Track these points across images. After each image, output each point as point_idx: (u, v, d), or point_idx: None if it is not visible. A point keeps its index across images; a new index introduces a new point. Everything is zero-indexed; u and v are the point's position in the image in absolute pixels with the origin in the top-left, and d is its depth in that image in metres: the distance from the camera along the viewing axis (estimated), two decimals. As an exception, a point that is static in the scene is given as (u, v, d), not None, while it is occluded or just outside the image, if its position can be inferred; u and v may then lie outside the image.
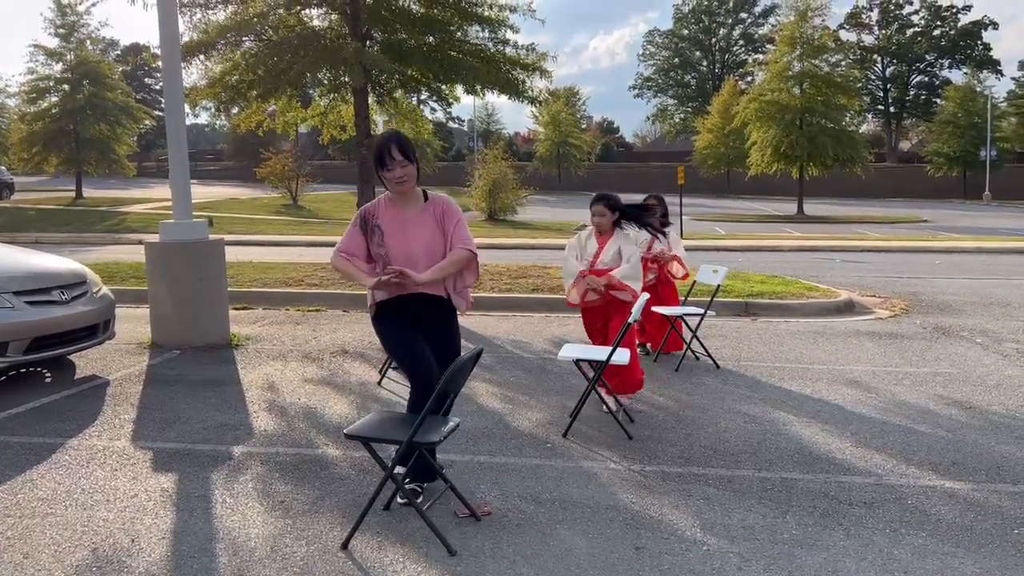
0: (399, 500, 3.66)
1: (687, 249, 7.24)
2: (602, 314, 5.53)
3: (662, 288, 6.96)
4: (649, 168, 57.96)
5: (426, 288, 3.72)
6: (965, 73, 56.36)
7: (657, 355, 6.89)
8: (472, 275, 3.93)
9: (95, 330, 6.38)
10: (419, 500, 3.66)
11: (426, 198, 3.85)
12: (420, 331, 3.82)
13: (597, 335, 5.63)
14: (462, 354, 3.66)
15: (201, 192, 34.30)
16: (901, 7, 69.53)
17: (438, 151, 46.80)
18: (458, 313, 3.97)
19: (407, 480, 3.72)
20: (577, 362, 5.04)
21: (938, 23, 69.22)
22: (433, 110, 51.28)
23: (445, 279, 3.80)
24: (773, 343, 7.61)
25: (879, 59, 69.82)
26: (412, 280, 3.61)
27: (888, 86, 70.06)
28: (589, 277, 5.42)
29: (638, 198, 7.28)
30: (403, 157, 3.68)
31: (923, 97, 69.32)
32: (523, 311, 9.34)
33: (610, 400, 5.18)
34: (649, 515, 3.68)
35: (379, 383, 6.06)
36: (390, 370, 6.25)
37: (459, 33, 12.04)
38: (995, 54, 69.24)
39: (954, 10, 68.47)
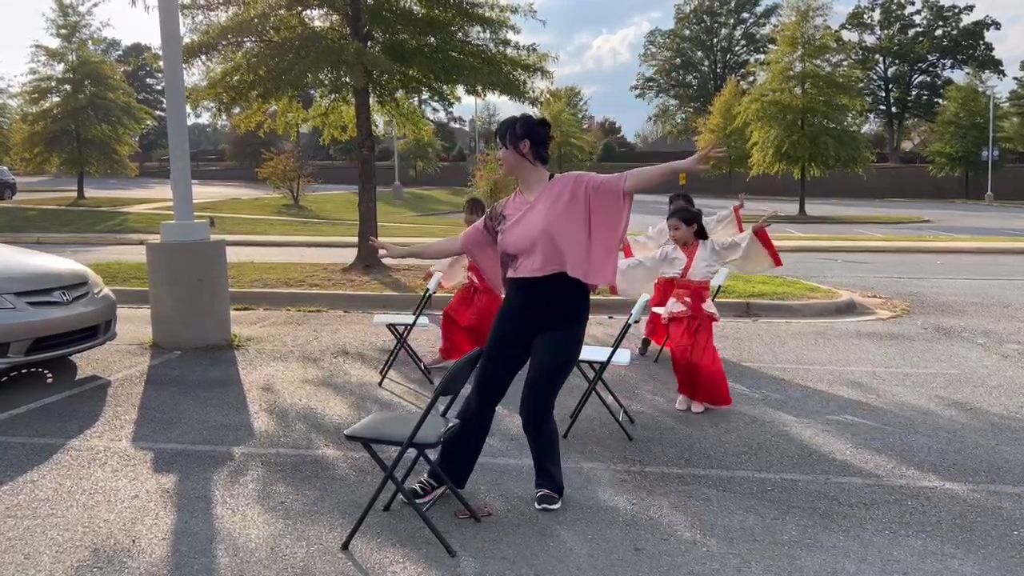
0: (408, 489, 3.65)
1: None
2: (688, 325, 5.44)
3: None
4: (651, 168, 57.83)
5: (539, 270, 3.54)
6: (967, 73, 56.32)
7: (658, 355, 6.88)
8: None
9: (96, 331, 6.39)
10: (419, 501, 3.66)
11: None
12: (532, 328, 3.67)
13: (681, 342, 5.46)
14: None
15: (202, 192, 34.33)
16: (903, 7, 69.48)
17: (439, 151, 46.83)
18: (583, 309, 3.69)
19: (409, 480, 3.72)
20: (578, 363, 5.03)
21: (940, 23, 69.18)
22: (435, 110, 51.38)
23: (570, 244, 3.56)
24: (774, 344, 7.61)
25: (881, 59, 69.78)
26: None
27: (890, 86, 70.02)
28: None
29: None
30: (499, 141, 3.65)
31: (925, 97, 69.28)
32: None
33: (609, 397, 5.19)
34: (649, 516, 3.68)
35: (379, 384, 6.06)
36: (390, 371, 6.26)
37: (460, 34, 12.07)
38: (997, 54, 69.24)
39: (956, 10, 68.44)
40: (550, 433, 3.78)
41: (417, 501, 3.61)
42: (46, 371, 6.48)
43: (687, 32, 76.43)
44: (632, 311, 4.94)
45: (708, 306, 5.47)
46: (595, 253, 3.60)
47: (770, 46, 41.51)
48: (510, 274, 3.68)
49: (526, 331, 3.69)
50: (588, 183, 3.60)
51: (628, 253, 6.47)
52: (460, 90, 12.63)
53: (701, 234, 5.57)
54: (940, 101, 59.77)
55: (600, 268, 3.61)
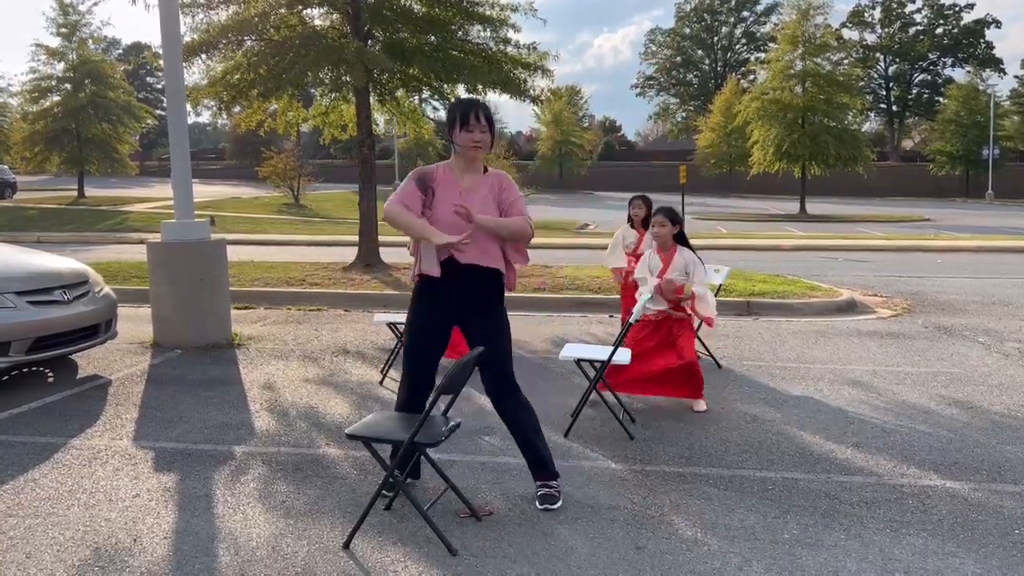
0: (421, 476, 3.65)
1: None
2: (656, 331, 5.41)
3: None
4: (651, 167, 57.95)
5: (480, 259, 3.65)
6: (968, 72, 56.30)
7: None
8: (522, 256, 3.80)
9: (97, 330, 6.39)
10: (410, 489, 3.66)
11: (486, 172, 3.79)
12: (459, 321, 3.76)
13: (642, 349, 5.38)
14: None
15: (203, 191, 34.35)
16: (903, 5, 69.44)
17: (440, 150, 46.73)
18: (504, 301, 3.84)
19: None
20: (578, 362, 5.04)
21: (940, 21, 69.15)
22: (435, 109, 51.24)
23: (500, 240, 3.70)
24: (775, 342, 7.61)
25: (881, 57, 69.76)
26: (474, 220, 3.49)
27: (890, 84, 70.00)
28: (666, 279, 5.33)
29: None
30: (486, 122, 3.65)
31: (925, 96, 69.26)
32: (524, 311, 9.34)
33: (607, 394, 5.20)
34: (650, 515, 3.68)
35: (380, 383, 6.07)
36: (391, 370, 6.26)
37: (460, 32, 12.05)
38: (998, 52, 69.31)
39: (957, 8, 68.40)
40: (526, 404, 3.82)
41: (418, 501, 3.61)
42: (47, 370, 6.48)
43: (687, 31, 76.38)
44: (633, 311, 4.94)
45: (695, 303, 5.40)
46: (511, 255, 3.81)
47: (770, 44, 41.48)
48: (443, 257, 3.66)
49: (456, 313, 3.76)
50: (507, 198, 3.72)
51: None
52: (460, 89, 12.61)
53: (681, 239, 5.48)
54: (941, 99, 59.74)
55: (514, 253, 3.81)
